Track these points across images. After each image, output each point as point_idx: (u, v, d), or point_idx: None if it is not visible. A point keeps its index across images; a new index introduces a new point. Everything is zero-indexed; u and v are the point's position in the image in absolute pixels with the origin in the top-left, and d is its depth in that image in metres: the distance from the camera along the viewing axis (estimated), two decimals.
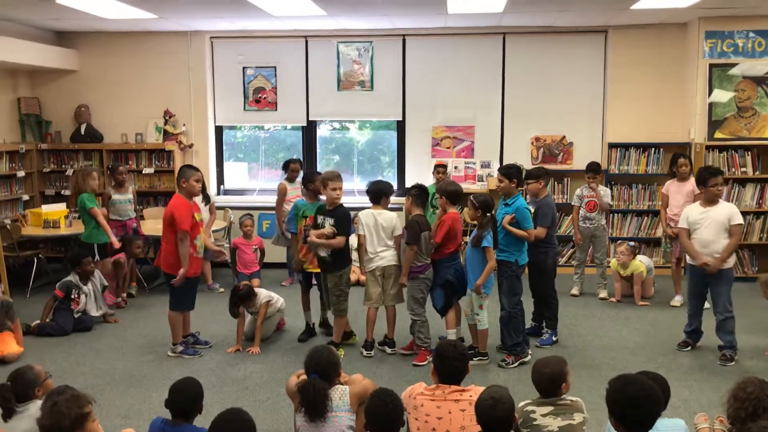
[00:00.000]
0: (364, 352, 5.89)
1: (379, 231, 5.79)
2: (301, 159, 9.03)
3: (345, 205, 5.93)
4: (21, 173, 9.12)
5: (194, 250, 5.74)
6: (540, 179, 6.21)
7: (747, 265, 8.53)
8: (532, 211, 5.90)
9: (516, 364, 5.61)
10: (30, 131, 9.41)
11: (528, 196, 6.39)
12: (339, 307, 5.88)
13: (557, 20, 8.53)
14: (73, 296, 6.65)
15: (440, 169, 8.28)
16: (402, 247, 5.77)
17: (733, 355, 5.74)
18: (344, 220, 5.80)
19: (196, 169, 5.82)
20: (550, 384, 3.44)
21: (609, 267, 7.72)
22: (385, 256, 5.82)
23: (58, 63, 9.08)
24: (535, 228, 5.79)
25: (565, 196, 8.89)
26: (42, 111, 9.56)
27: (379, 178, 9.23)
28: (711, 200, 5.77)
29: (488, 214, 5.51)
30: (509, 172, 5.76)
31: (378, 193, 5.88)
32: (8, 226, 8.01)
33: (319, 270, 6.08)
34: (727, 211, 5.70)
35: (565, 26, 8.86)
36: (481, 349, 5.70)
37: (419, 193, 5.89)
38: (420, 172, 9.18)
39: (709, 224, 5.69)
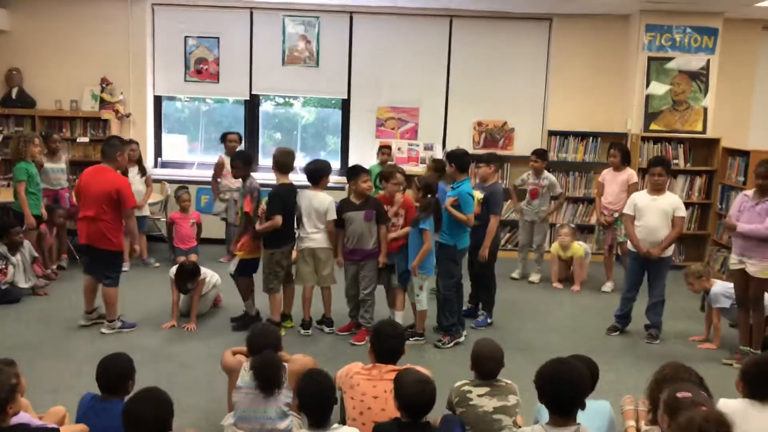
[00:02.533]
0: (302, 331, 5.89)
1: (311, 213, 5.76)
2: (242, 134, 8.68)
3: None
4: None
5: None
6: (491, 164, 6.31)
7: (674, 255, 8.82)
8: (481, 196, 6.00)
9: (451, 344, 5.72)
10: None
11: (475, 180, 6.46)
12: (267, 285, 5.84)
13: (504, 5, 8.59)
14: (0, 267, 6.41)
15: (385, 150, 8.20)
16: (359, 229, 5.69)
17: (658, 334, 6.04)
18: (274, 197, 5.69)
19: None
20: (494, 370, 3.56)
21: (549, 251, 7.90)
22: (315, 239, 5.79)
23: None
24: (483, 214, 5.98)
25: (505, 181, 9.00)
26: None
27: (321, 156, 9.24)
28: (656, 189, 5.94)
29: (429, 197, 5.54)
30: (451, 156, 5.84)
31: (315, 173, 5.83)
32: None
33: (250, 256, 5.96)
34: (672, 202, 5.91)
35: (511, 12, 8.93)
36: (418, 328, 5.76)
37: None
38: (364, 153, 9.14)
39: (655, 212, 5.87)
